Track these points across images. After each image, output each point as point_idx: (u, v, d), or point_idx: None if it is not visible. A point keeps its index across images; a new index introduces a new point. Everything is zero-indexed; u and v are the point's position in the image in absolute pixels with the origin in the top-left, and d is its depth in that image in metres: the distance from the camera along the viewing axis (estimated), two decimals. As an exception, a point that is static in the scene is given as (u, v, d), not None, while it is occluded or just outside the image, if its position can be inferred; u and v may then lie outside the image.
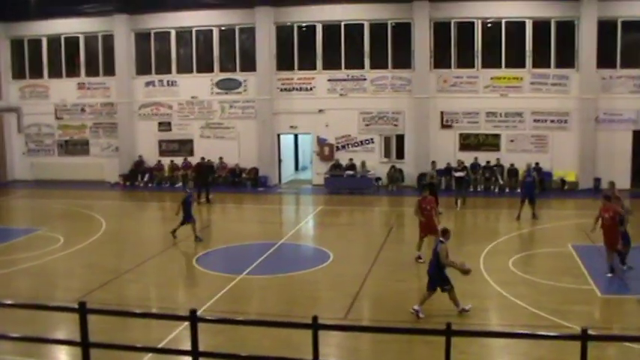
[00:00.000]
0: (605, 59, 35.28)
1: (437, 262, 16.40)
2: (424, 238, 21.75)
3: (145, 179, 39.48)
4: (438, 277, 16.47)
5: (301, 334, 11.49)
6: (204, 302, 17.54)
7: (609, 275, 19.73)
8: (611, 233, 19.91)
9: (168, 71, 39.79)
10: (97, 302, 15.32)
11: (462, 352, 13.23)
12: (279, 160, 39.26)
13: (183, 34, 39.64)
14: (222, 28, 38.95)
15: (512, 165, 35.65)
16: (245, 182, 38.29)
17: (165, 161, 39.69)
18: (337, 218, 31.58)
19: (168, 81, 39.72)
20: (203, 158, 36.43)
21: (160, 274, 21.37)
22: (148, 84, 40.01)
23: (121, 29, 39.45)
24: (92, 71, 41.07)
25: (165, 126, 40.06)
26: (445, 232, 16.91)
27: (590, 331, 10.09)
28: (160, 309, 17.67)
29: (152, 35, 39.94)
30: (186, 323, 11.85)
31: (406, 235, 27.58)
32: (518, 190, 30.92)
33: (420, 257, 21.59)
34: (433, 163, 33.25)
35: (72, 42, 41.02)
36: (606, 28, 35.16)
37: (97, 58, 40.97)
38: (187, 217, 24.90)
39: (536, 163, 34.87)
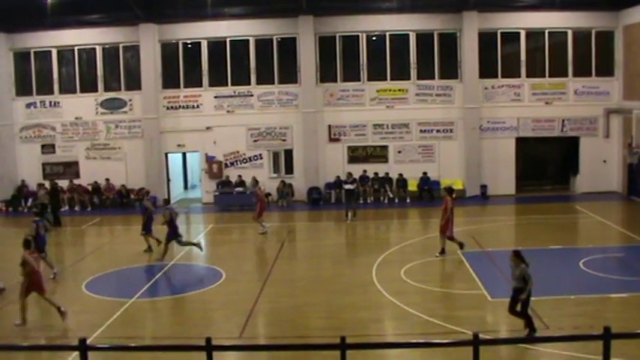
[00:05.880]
0: (486, 69, 36.33)
1: None
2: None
3: (29, 204, 37.66)
4: None
5: (196, 355, 11.22)
6: (95, 329, 17.01)
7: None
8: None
9: (51, 92, 38.33)
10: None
11: (359, 365, 13.21)
12: (168, 180, 38.51)
13: (65, 53, 38.42)
14: (106, 47, 37.97)
15: (400, 175, 36.19)
16: (133, 203, 37.30)
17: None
18: (228, 236, 31.15)
19: (50, 102, 38.42)
20: (53, 181, 35.44)
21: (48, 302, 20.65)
22: (29, 105, 38.45)
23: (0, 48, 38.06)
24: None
25: (48, 148, 38.64)
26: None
27: (481, 336, 10.29)
28: (49, 339, 17.06)
29: (32, 55, 38.45)
30: (76, 353, 11.42)
31: (298, 251, 27.62)
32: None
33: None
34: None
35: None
36: (487, 40, 36.26)
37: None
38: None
39: (424, 173, 35.59)
